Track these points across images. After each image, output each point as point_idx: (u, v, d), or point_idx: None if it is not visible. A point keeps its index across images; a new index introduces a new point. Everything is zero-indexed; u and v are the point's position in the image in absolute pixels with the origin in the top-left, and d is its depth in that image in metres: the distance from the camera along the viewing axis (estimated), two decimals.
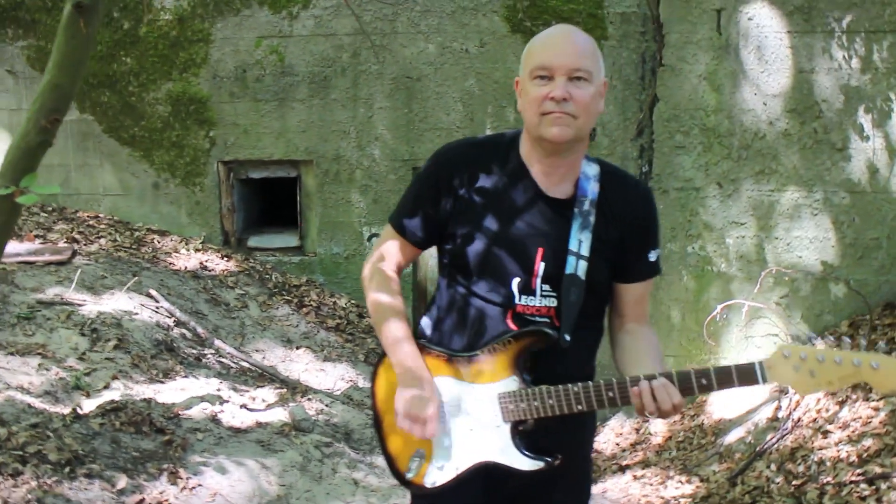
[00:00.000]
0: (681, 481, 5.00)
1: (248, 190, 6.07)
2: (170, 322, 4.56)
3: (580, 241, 1.77)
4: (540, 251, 1.78)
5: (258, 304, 5.32)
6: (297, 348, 5.01)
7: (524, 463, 1.76)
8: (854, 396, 4.82)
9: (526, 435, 1.79)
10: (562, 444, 1.81)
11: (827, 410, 4.86)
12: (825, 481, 4.22)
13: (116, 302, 4.48)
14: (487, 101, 5.62)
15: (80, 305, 4.33)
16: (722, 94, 5.41)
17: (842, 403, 4.83)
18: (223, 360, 4.51)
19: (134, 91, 5.78)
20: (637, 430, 5.83)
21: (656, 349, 1.87)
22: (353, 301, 5.65)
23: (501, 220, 1.79)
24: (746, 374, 1.62)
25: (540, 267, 1.78)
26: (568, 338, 1.76)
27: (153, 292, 4.67)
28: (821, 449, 4.52)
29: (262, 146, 5.76)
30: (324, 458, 3.65)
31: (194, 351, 4.42)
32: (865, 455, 4.28)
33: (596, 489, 5.27)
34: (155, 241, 5.67)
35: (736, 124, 5.42)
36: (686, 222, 5.56)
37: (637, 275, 1.87)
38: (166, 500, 3.01)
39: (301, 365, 4.85)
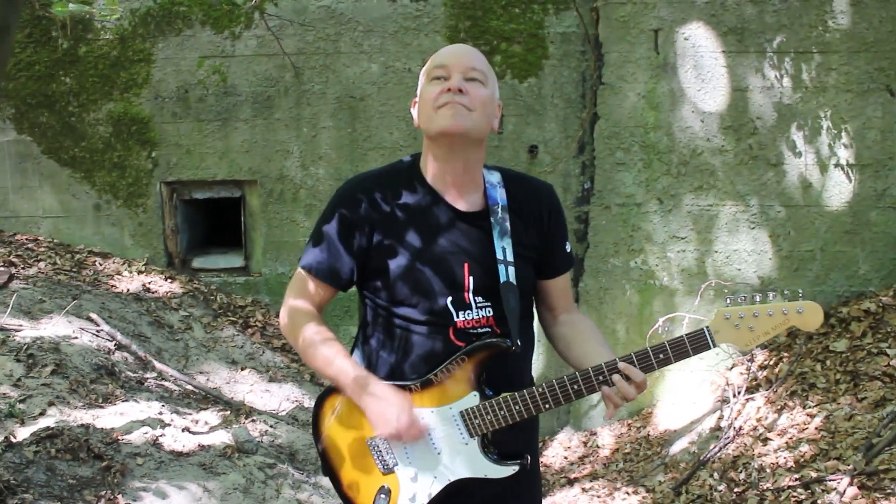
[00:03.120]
0: (628, 492, 5.07)
1: (192, 210, 6.01)
2: (111, 346, 4.47)
3: (504, 248, 1.82)
4: (466, 266, 1.81)
5: (203, 325, 5.26)
6: (243, 369, 4.96)
7: (499, 471, 1.80)
8: (791, 404, 4.96)
9: (494, 445, 1.83)
10: (523, 447, 1.88)
11: (766, 418, 4.99)
12: (765, 487, 4.33)
13: (55, 327, 4.39)
14: None
15: (16, 331, 4.22)
16: (660, 112, 5.55)
17: (780, 411, 4.96)
18: (166, 382, 4.44)
19: (74, 111, 5.69)
20: (585, 444, 5.90)
21: (596, 332, 1.97)
22: None
23: (421, 243, 1.81)
24: (699, 341, 1.72)
25: (469, 281, 1.81)
26: (519, 342, 1.80)
27: (94, 315, 4.59)
28: (760, 456, 4.63)
29: (205, 166, 5.72)
30: (267, 480, 3.61)
31: (136, 374, 4.34)
32: (802, 460, 4.40)
33: (545, 503, 5.31)
34: (97, 264, 5.57)
35: (675, 141, 5.57)
36: (628, 237, 5.67)
37: (561, 268, 1.97)
38: None
39: (246, 386, 4.80)
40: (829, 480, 4.06)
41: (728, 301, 1.73)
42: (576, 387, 1.75)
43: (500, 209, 1.83)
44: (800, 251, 5.59)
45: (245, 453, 3.77)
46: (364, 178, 1.90)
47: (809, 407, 4.82)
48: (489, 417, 1.76)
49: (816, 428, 4.62)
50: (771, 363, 5.45)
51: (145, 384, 4.31)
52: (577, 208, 5.68)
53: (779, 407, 5.00)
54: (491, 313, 1.82)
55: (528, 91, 5.57)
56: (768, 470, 4.47)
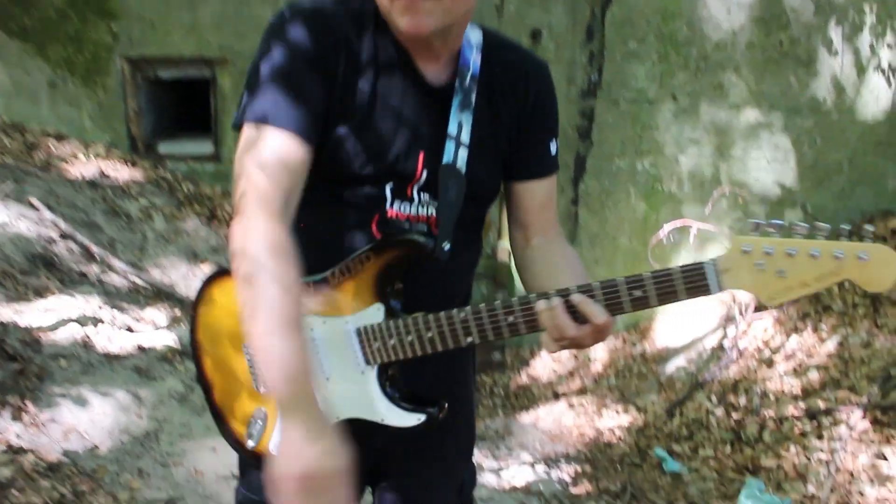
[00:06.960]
0: (617, 410, 4.73)
1: (158, 92, 5.50)
2: (53, 235, 4.05)
3: (460, 124, 1.31)
4: (421, 155, 1.31)
5: (164, 215, 4.82)
6: (203, 262, 4.55)
7: (401, 417, 1.30)
8: (802, 326, 4.54)
9: (398, 380, 1.33)
10: (442, 386, 1.38)
11: (774, 340, 4.58)
12: (767, 415, 3.95)
13: None
14: None
15: None
16: None
17: (789, 333, 4.55)
18: (113, 276, 4.04)
19: None
20: (576, 357, 5.53)
21: (576, 265, 1.39)
22: None
23: (377, 113, 1.28)
24: (695, 281, 1.14)
25: (423, 174, 1.31)
26: (447, 247, 1.31)
27: (34, 201, 4.15)
28: (764, 381, 4.26)
29: (171, 42, 5.17)
30: None
31: (77, 267, 3.93)
32: (810, 388, 4.02)
33: (528, 418, 4.98)
34: (50, 147, 5.10)
35: (695, 32, 4.96)
36: (637, 137, 5.14)
37: (539, 169, 1.42)
38: (5, 441, 2.58)
39: None
40: (839, 412, 3.68)
41: (755, 227, 1.10)
42: (511, 318, 1.22)
43: (468, 77, 1.32)
44: (825, 161, 5.05)
45: (189, 357, 3.39)
46: (334, 7, 1.28)
47: (822, 331, 4.41)
48: (392, 342, 1.28)
49: (828, 354, 4.21)
50: None
51: (88, 278, 3.90)
52: (582, 102, 5.13)
53: (788, 329, 4.59)
54: (434, 213, 1.33)
55: None
56: (772, 396, 4.10)
